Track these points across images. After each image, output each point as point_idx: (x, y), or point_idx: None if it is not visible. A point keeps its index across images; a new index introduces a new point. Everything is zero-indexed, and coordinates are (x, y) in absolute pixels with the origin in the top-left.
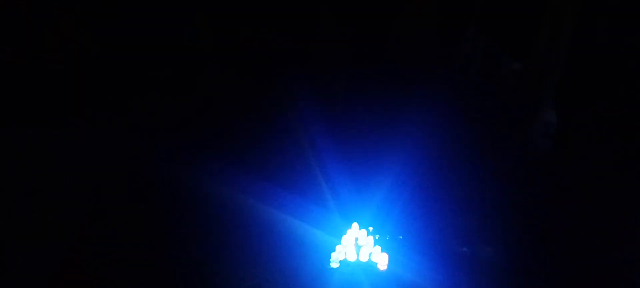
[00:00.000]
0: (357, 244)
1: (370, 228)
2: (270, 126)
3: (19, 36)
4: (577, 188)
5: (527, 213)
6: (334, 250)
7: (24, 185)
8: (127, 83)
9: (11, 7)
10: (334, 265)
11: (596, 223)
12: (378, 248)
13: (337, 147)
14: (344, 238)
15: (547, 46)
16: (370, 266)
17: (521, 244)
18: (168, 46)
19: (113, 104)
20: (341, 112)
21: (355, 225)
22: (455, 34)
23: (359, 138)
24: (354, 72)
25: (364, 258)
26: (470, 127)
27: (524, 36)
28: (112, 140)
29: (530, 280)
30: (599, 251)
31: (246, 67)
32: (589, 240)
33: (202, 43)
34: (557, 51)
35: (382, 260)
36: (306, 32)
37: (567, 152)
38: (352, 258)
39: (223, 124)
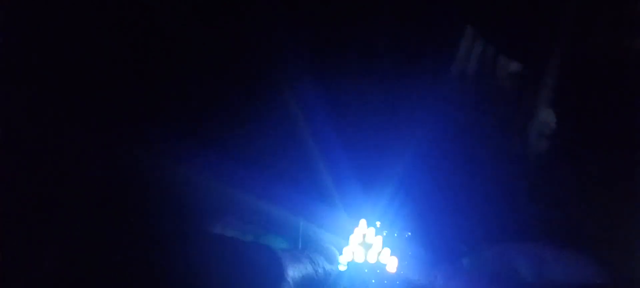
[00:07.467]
0: (365, 243)
1: (378, 224)
2: (276, 125)
3: None
4: (575, 188)
5: (523, 213)
6: (341, 253)
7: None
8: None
9: None
10: (342, 267)
11: (594, 223)
12: (387, 250)
13: (342, 146)
14: (352, 237)
15: (545, 47)
16: (379, 267)
17: (517, 244)
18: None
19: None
20: (346, 112)
21: (362, 221)
22: (453, 36)
23: (363, 138)
24: (360, 72)
25: (372, 259)
26: (468, 127)
27: (522, 37)
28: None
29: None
30: (596, 250)
31: (252, 65)
32: (586, 239)
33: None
34: (554, 52)
35: (391, 263)
36: (310, 30)
37: (564, 152)
38: (360, 259)
39: (228, 122)
